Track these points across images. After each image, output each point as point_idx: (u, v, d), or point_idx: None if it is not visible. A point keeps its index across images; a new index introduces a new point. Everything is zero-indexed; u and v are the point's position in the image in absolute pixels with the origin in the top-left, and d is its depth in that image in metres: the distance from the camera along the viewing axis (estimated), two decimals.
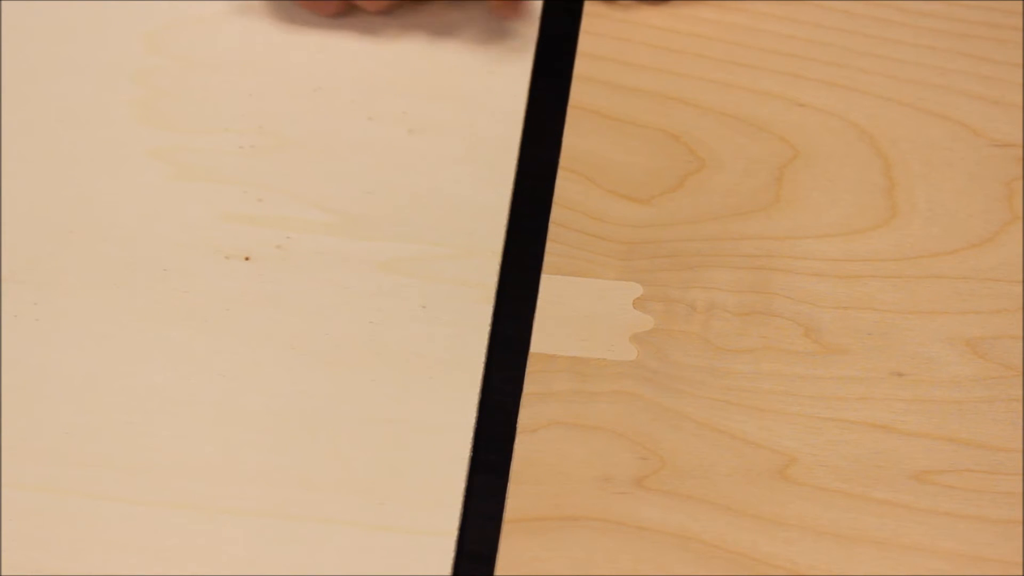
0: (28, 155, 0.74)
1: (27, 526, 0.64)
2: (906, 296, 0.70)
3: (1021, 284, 0.70)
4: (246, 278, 0.71)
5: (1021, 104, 0.75)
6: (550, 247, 0.71)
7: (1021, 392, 0.67)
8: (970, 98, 0.76)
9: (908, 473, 0.65)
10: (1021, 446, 0.66)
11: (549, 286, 0.70)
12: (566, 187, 0.73)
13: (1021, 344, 0.68)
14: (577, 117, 0.75)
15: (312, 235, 0.72)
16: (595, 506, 0.64)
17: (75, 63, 0.77)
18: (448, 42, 0.78)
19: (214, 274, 0.71)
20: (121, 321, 0.69)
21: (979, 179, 0.73)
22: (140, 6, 0.79)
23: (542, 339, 0.69)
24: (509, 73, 0.77)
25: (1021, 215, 0.72)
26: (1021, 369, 0.68)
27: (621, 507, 0.64)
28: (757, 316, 0.69)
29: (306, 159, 0.74)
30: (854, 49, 0.77)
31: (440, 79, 0.77)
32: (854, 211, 0.72)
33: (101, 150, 0.74)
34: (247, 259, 0.71)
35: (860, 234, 0.72)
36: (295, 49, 0.78)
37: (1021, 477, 0.65)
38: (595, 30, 0.78)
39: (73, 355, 0.68)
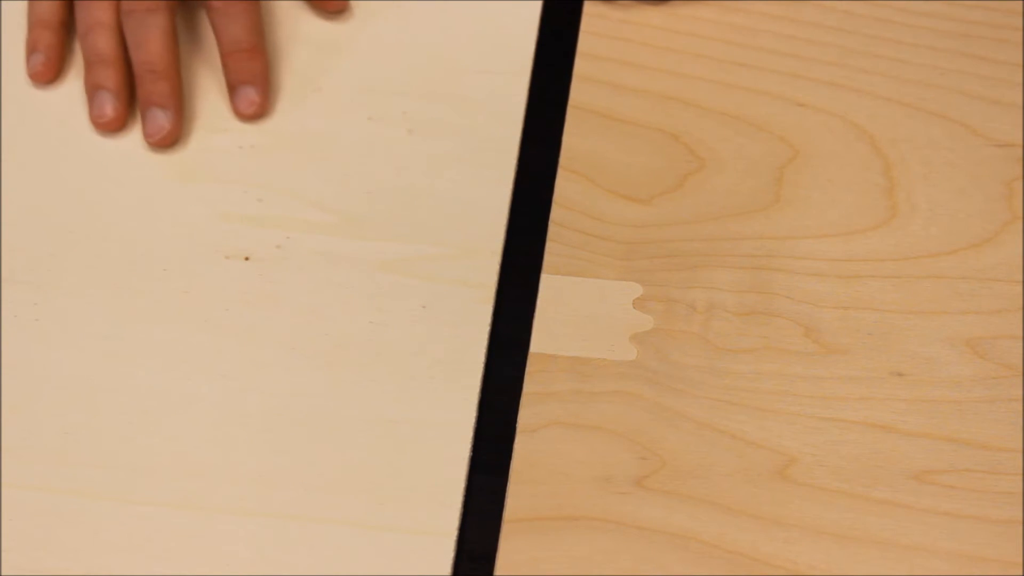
0: (28, 155, 0.74)
1: (27, 526, 0.64)
2: (906, 296, 0.70)
3: (1021, 284, 0.70)
4: (246, 278, 0.71)
5: (1021, 104, 0.75)
6: (550, 247, 0.71)
7: (1021, 392, 0.67)
8: (970, 98, 0.76)
9: (908, 473, 0.65)
10: (1021, 446, 0.66)
11: (549, 286, 0.70)
12: (566, 187, 0.73)
13: (1021, 344, 0.68)
14: (577, 117, 0.75)
15: (312, 235, 0.72)
16: (595, 506, 0.64)
17: (75, 63, 0.77)
18: (448, 42, 0.78)
19: (214, 274, 0.71)
20: (121, 321, 0.69)
21: (979, 179, 0.73)
22: None
23: (542, 339, 0.69)
24: (509, 73, 0.77)
25: (1021, 215, 0.72)
26: (1021, 369, 0.68)
27: (621, 507, 0.64)
28: (757, 316, 0.69)
29: (306, 159, 0.74)
30: (854, 49, 0.77)
31: (440, 79, 0.77)
32: (854, 211, 0.72)
33: (101, 150, 0.74)
34: (247, 259, 0.71)
35: (860, 234, 0.72)
36: (295, 49, 0.78)
37: (1021, 477, 0.65)
38: (595, 30, 0.78)
39: (73, 355, 0.68)
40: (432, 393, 0.67)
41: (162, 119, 0.73)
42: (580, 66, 0.77)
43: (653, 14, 0.78)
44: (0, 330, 0.69)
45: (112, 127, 0.74)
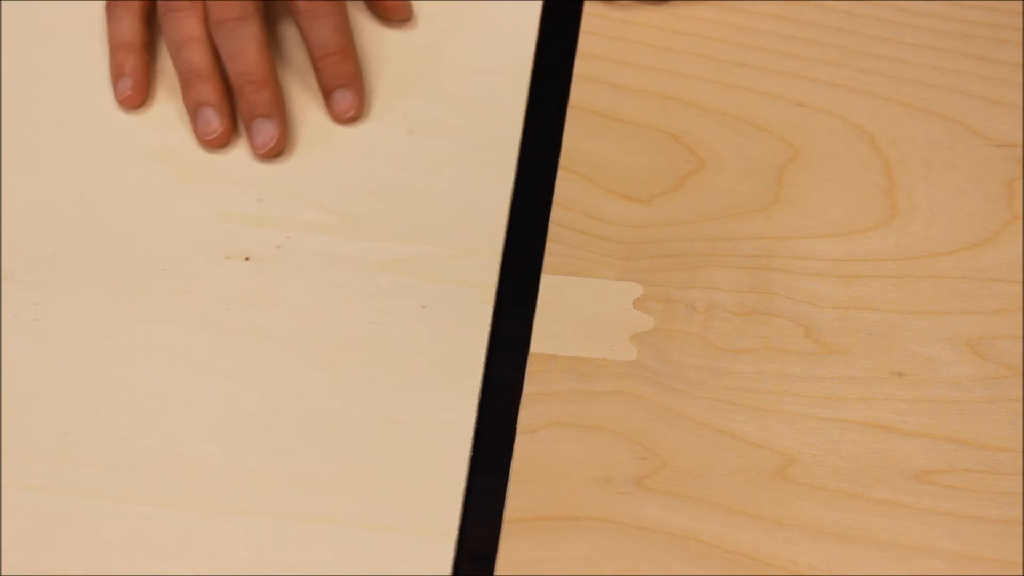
0: (28, 155, 0.74)
1: (27, 526, 0.64)
2: (906, 296, 0.70)
3: (1021, 284, 0.70)
4: (246, 278, 0.71)
5: (1021, 104, 0.75)
6: (550, 247, 0.71)
7: (1021, 392, 0.67)
8: (970, 98, 0.76)
9: (908, 473, 0.65)
10: (1021, 446, 0.66)
11: (549, 286, 0.70)
12: (566, 187, 0.73)
13: (1021, 344, 0.68)
14: (577, 117, 0.75)
15: (312, 235, 0.72)
16: (595, 506, 0.64)
17: (75, 63, 0.77)
18: (448, 42, 0.78)
19: (214, 274, 0.71)
20: (121, 321, 0.69)
21: (979, 179, 0.73)
22: None
23: (542, 339, 0.69)
24: (509, 73, 0.77)
25: (1021, 215, 0.72)
26: (1021, 369, 0.68)
27: (621, 507, 0.64)
28: (757, 316, 0.69)
29: (306, 159, 0.74)
30: (854, 49, 0.77)
31: (440, 79, 0.77)
32: (854, 211, 0.72)
33: (101, 150, 0.74)
34: (247, 259, 0.71)
35: (860, 234, 0.72)
36: (296, 50, 0.78)
37: (1021, 477, 0.65)
38: (595, 30, 0.78)
39: (73, 355, 0.68)
40: (432, 393, 0.67)
41: (270, 129, 0.73)
42: (580, 66, 0.77)
43: (653, 14, 0.78)
44: (0, 330, 0.69)
45: (220, 142, 0.73)
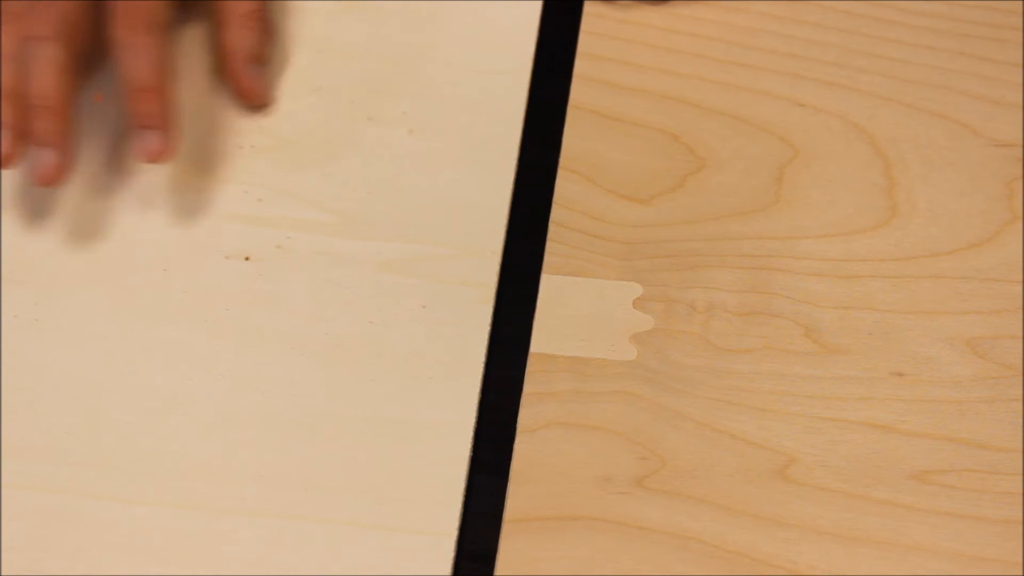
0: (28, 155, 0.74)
1: (27, 526, 0.64)
2: (906, 296, 0.70)
3: (1021, 284, 0.70)
4: (246, 278, 0.71)
5: (1021, 104, 0.75)
6: (550, 247, 0.71)
7: (1021, 392, 0.67)
8: (970, 98, 0.76)
9: (908, 473, 0.65)
10: (1021, 446, 0.66)
11: (549, 286, 0.70)
12: (566, 187, 0.73)
13: (1021, 344, 0.68)
14: (577, 117, 0.75)
15: (312, 235, 0.72)
16: (595, 506, 0.64)
17: None
18: (448, 42, 0.78)
19: (214, 274, 0.71)
20: (121, 321, 0.69)
21: (979, 179, 0.73)
22: None
23: (542, 339, 0.69)
24: (509, 73, 0.77)
25: (1021, 215, 0.72)
26: (1021, 369, 0.68)
27: (621, 507, 0.64)
28: (757, 316, 0.69)
29: (306, 159, 0.74)
30: (854, 49, 0.77)
31: (440, 79, 0.77)
32: (854, 211, 0.72)
33: (100, 149, 0.74)
34: (247, 259, 0.71)
35: (860, 234, 0.72)
36: (295, 49, 0.78)
37: (1021, 477, 0.65)
38: (595, 30, 0.78)
39: (73, 355, 0.68)
40: (432, 393, 0.67)
41: (45, 158, 0.69)
42: (580, 66, 0.77)
43: (653, 14, 0.78)
44: (0, 330, 0.69)
45: (5, 165, 0.69)
